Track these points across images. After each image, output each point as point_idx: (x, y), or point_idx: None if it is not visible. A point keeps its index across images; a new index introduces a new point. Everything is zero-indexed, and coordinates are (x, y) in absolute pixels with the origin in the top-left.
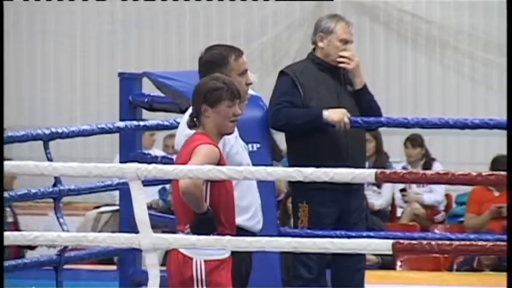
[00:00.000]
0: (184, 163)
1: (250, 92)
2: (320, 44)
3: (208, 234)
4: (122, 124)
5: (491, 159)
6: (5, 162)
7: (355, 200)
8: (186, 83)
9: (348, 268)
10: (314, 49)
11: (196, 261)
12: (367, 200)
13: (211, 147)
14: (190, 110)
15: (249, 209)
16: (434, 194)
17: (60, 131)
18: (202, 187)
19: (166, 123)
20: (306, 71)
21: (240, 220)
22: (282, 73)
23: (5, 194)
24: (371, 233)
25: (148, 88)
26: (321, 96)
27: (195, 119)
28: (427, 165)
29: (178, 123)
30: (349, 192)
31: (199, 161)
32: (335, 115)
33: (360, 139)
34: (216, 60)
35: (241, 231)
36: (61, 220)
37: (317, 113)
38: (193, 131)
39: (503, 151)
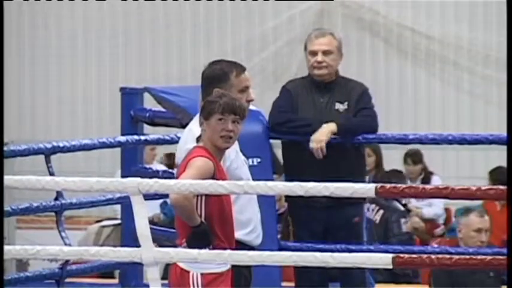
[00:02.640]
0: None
1: (251, 107)
2: (306, 63)
3: (202, 247)
4: (123, 138)
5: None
6: (7, 177)
7: (341, 216)
8: (187, 98)
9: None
10: None
11: (193, 275)
12: (365, 214)
13: (204, 160)
14: (190, 125)
15: (249, 223)
16: (434, 208)
17: (61, 145)
18: (192, 200)
19: (167, 137)
20: (301, 87)
21: (239, 234)
22: (283, 88)
23: (8, 207)
24: (371, 247)
25: (149, 103)
26: (306, 112)
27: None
28: (426, 179)
29: (179, 138)
30: (331, 208)
31: (191, 174)
32: (314, 142)
33: (344, 157)
34: (217, 75)
35: (241, 245)
36: (63, 234)
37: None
38: (192, 145)
39: (503, 164)
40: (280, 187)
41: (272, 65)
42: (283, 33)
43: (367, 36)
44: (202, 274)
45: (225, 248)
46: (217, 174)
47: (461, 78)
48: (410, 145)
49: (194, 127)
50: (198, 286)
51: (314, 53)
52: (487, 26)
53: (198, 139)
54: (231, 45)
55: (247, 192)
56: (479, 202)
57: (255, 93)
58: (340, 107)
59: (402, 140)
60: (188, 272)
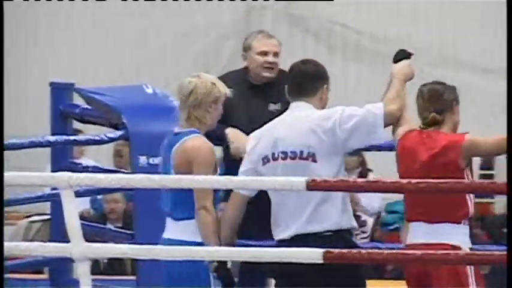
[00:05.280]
0: None
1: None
2: (245, 63)
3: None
4: (52, 138)
5: None
6: None
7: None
8: (116, 98)
9: None
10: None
11: None
12: None
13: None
14: None
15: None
16: (371, 201)
17: None
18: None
19: (97, 138)
20: (234, 83)
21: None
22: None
23: None
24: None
25: (79, 99)
26: (234, 113)
27: None
28: (363, 175)
29: (109, 138)
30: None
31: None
32: (233, 139)
33: None
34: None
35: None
36: None
37: (221, 129)
38: None
39: None
40: (210, 181)
41: (202, 60)
42: (212, 29)
43: (297, 31)
44: None
45: None
46: None
47: None
48: None
49: None
50: None
51: (264, 54)
52: (414, 18)
53: None
54: (161, 41)
55: (183, 186)
56: None
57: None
58: (273, 107)
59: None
60: None
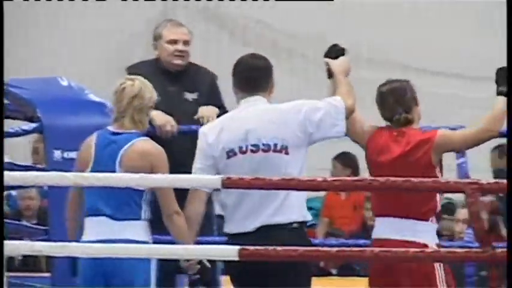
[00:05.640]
0: None
1: (93, 98)
2: (156, 52)
3: None
4: None
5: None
6: None
7: None
8: (31, 90)
9: None
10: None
11: None
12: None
13: None
14: None
15: None
16: None
17: None
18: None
19: (10, 130)
20: (147, 73)
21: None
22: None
23: None
24: (216, 239)
25: None
26: (160, 104)
27: None
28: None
29: (23, 130)
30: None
31: None
32: (158, 119)
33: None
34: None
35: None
36: None
37: None
38: None
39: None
40: (125, 178)
41: (116, 57)
42: (127, 25)
43: (212, 27)
44: None
45: None
46: None
47: (308, 70)
48: None
49: None
50: None
51: (174, 42)
52: (330, 16)
53: None
54: (76, 37)
55: (93, 184)
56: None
57: None
58: (190, 96)
59: None
60: None
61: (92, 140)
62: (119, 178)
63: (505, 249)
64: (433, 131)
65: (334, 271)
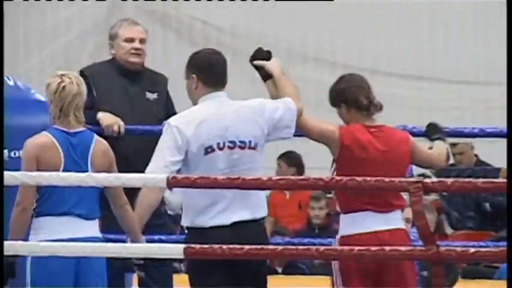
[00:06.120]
0: None
1: (40, 97)
2: (112, 52)
3: None
4: None
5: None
6: None
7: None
8: None
9: None
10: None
11: None
12: None
13: None
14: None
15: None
16: (176, 197)
17: None
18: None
19: None
20: (104, 73)
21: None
22: (80, 74)
23: None
24: (163, 237)
25: None
26: (113, 101)
27: None
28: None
29: None
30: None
31: None
32: (105, 120)
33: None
34: None
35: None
36: None
37: (93, 116)
38: None
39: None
40: (73, 178)
41: (63, 56)
42: (74, 25)
43: (159, 28)
44: None
45: None
46: None
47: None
48: None
49: None
50: None
51: (131, 40)
52: (276, 17)
53: None
54: (22, 36)
55: (40, 183)
56: None
57: None
58: (151, 96)
59: None
60: None
61: (52, 140)
62: (68, 176)
63: (449, 247)
64: (404, 132)
65: (279, 269)
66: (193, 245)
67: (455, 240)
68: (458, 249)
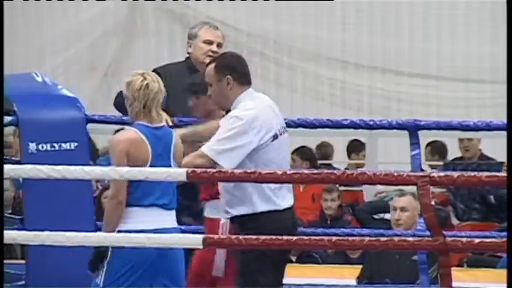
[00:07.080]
0: None
1: (66, 93)
2: (189, 50)
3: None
4: None
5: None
6: None
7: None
8: (7, 86)
9: None
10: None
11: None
12: None
13: None
14: None
15: None
16: None
17: None
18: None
19: None
20: (176, 73)
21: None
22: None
23: None
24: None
25: None
26: (179, 97)
27: None
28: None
29: None
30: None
31: None
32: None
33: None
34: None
35: None
36: None
37: None
38: None
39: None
40: (97, 172)
41: (88, 55)
42: (97, 25)
43: (178, 27)
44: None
45: None
46: None
47: (268, 69)
48: None
49: None
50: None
51: (210, 42)
52: (291, 17)
53: None
54: (50, 36)
55: (65, 176)
56: None
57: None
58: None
59: None
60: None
61: (139, 135)
62: (88, 171)
63: (455, 238)
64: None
65: (293, 258)
66: (211, 235)
67: (461, 231)
68: (464, 239)
